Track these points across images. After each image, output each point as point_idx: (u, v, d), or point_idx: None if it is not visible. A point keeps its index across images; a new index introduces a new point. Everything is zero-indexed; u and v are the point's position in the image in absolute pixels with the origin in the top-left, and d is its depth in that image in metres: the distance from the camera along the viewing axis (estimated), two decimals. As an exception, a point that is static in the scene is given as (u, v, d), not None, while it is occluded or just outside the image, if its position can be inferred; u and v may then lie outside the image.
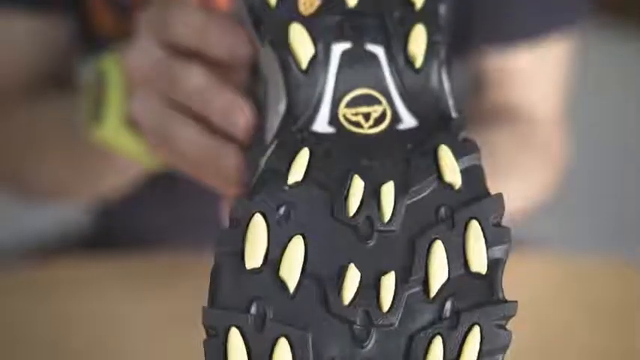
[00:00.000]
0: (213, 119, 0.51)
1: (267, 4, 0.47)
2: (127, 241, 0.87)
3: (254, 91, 0.51)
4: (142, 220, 0.88)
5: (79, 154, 0.72)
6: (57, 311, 0.71)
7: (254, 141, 0.49)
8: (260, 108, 0.50)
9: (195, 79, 0.52)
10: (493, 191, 0.43)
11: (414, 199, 0.42)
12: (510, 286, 0.42)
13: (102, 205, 0.88)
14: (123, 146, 0.61)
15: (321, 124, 0.45)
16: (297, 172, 0.42)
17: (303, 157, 0.43)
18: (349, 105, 0.45)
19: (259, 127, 0.49)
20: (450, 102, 0.46)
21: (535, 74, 0.83)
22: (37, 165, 0.78)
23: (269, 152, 0.44)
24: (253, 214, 0.41)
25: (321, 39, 0.45)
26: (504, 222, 0.42)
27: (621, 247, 1.57)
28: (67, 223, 0.98)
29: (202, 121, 0.52)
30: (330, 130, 0.44)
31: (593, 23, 0.89)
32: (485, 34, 0.81)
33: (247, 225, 0.41)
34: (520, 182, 0.78)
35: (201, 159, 0.52)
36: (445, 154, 0.43)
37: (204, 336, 0.40)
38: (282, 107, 0.45)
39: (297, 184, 0.42)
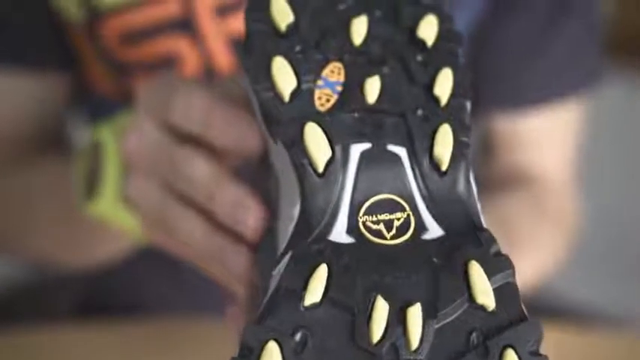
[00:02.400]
0: (217, 215, 0.47)
1: (280, 99, 0.43)
2: (123, 307, 0.83)
3: (264, 183, 0.48)
4: (139, 285, 0.84)
5: (71, 222, 0.68)
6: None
7: (264, 242, 0.45)
8: (270, 203, 0.46)
9: (198, 169, 0.48)
10: None
11: (443, 323, 0.38)
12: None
13: (96, 269, 0.84)
14: (117, 220, 0.57)
15: (339, 234, 0.41)
16: (314, 291, 0.39)
17: (320, 275, 0.39)
18: (369, 212, 0.41)
19: (270, 227, 0.45)
20: (479, 209, 0.42)
21: (546, 138, 0.80)
22: (26, 230, 0.75)
23: (282, 266, 0.40)
24: (267, 342, 0.38)
25: (339, 139, 0.42)
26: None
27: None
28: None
29: (206, 212, 0.48)
30: (349, 240, 0.41)
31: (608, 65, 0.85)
32: (496, 98, 0.77)
33: (260, 354, 0.37)
34: (534, 255, 0.75)
35: (203, 255, 0.49)
36: (476, 272, 0.39)
37: None
38: (295, 212, 0.42)
39: (314, 305, 0.38)
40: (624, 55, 1.73)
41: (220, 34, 0.72)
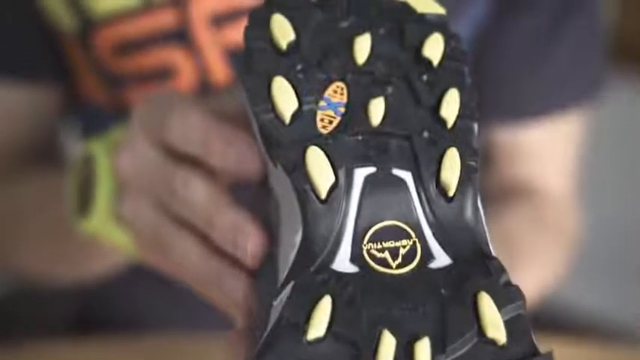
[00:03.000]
0: (215, 240, 0.45)
1: (281, 121, 0.41)
2: (117, 323, 0.81)
3: (263, 206, 0.46)
4: (134, 300, 0.82)
5: (63, 236, 0.67)
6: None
7: (264, 267, 0.44)
8: (270, 227, 0.45)
9: (195, 191, 0.46)
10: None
11: (452, 358, 0.37)
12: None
13: (89, 283, 0.83)
14: (110, 237, 0.56)
15: (343, 262, 0.39)
16: (318, 325, 0.37)
17: (324, 307, 0.37)
18: (374, 239, 0.40)
19: (270, 252, 0.44)
20: (487, 236, 0.41)
21: (548, 150, 0.79)
22: (17, 244, 0.73)
23: (284, 296, 0.38)
24: None
25: (343, 163, 0.40)
26: None
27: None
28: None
29: (203, 235, 0.47)
30: (353, 269, 0.39)
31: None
32: (496, 109, 0.76)
33: None
34: (536, 269, 0.73)
35: (199, 278, 0.47)
36: (486, 304, 0.37)
37: None
38: (297, 239, 0.40)
39: (317, 339, 0.37)
40: (628, 62, 1.71)
41: (216, 45, 0.70)
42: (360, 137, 0.41)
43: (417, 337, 0.37)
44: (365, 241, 0.40)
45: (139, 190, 0.50)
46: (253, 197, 0.47)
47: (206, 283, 0.47)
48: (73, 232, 0.60)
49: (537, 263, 0.74)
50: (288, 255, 0.41)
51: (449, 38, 0.44)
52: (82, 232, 0.57)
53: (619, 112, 1.30)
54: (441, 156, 0.41)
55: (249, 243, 0.43)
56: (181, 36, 0.70)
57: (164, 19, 0.70)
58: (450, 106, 0.42)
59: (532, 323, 0.38)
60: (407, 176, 0.40)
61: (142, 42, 0.70)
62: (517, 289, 0.38)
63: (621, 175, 1.81)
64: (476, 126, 0.42)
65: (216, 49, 0.70)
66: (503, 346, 0.37)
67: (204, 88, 0.71)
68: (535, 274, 0.73)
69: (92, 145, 0.57)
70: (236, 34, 0.70)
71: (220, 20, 0.70)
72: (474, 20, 0.74)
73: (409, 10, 0.45)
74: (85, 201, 0.57)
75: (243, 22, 0.68)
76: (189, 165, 0.47)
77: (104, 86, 0.74)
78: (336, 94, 0.42)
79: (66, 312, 0.89)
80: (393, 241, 0.40)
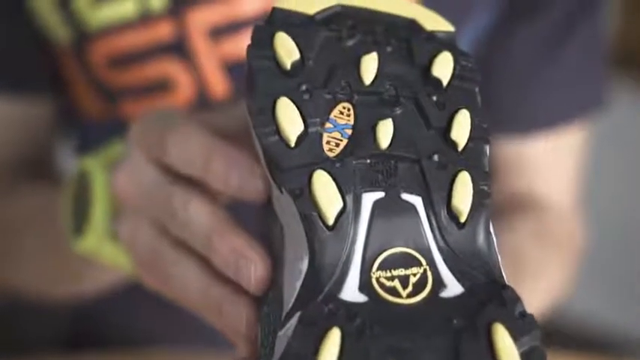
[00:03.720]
0: (216, 265, 0.44)
1: (286, 144, 0.40)
2: (112, 340, 0.80)
3: (266, 227, 0.44)
4: (129, 317, 0.81)
5: (58, 253, 0.65)
6: None
7: (268, 295, 0.42)
8: (274, 249, 0.43)
9: (195, 214, 0.45)
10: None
11: None
12: None
13: (84, 300, 0.81)
14: (107, 256, 0.54)
15: (351, 291, 0.38)
16: (327, 358, 0.35)
17: (333, 339, 0.36)
18: (383, 267, 0.38)
19: (274, 278, 0.42)
20: (500, 263, 0.39)
21: (551, 162, 0.77)
22: (10, 261, 0.71)
23: (290, 327, 0.37)
24: None
25: (350, 188, 0.39)
26: None
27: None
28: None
29: (204, 258, 0.45)
30: (361, 298, 0.38)
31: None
32: (500, 122, 0.74)
33: None
34: (543, 284, 0.72)
35: (200, 306, 0.45)
36: (501, 336, 0.36)
37: None
38: (303, 266, 0.39)
39: None
40: (631, 69, 1.70)
41: (214, 57, 0.68)
42: (367, 160, 0.39)
43: None
44: (374, 269, 0.38)
45: (136, 211, 0.48)
46: (256, 217, 0.46)
47: (207, 310, 0.45)
48: (70, 250, 0.59)
49: (544, 279, 0.73)
50: (293, 283, 0.39)
51: (458, 57, 0.42)
52: (78, 250, 0.56)
53: (621, 119, 1.28)
54: (452, 180, 0.39)
55: (253, 270, 0.42)
56: (179, 48, 0.68)
57: (161, 30, 0.68)
58: (461, 128, 0.40)
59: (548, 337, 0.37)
60: (417, 201, 0.39)
61: (139, 54, 0.69)
62: (532, 318, 0.37)
63: (625, 182, 1.79)
64: (488, 148, 0.40)
65: (214, 62, 0.69)
66: None
67: (203, 101, 0.69)
68: (542, 290, 0.72)
69: (88, 161, 0.55)
70: (235, 46, 0.68)
71: (218, 32, 0.68)
72: (476, 31, 0.72)
73: (417, 27, 0.44)
74: (81, 219, 0.55)
75: (242, 35, 0.68)
76: (189, 185, 0.46)
77: (100, 99, 0.72)
78: (343, 115, 0.41)
79: (61, 327, 0.87)
80: (403, 269, 0.38)
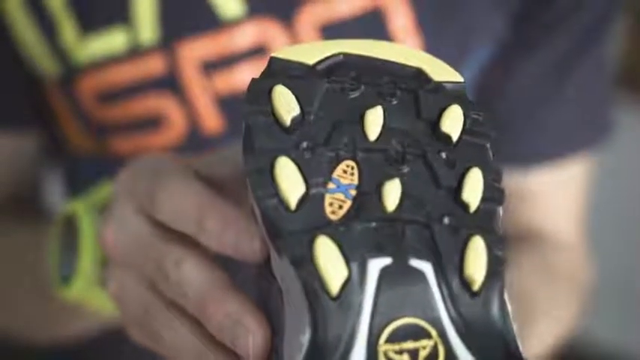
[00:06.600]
0: (211, 331, 0.41)
1: (286, 207, 0.37)
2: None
3: (264, 288, 0.42)
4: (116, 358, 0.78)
5: (42, 296, 0.62)
6: None
7: (267, 363, 0.40)
8: (272, 313, 0.40)
9: (188, 274, 0.42)
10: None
11: None
12: None
13: (77, 342, 0.78)
14: (94, 303, 0.52)
15: None
16: None
17: None
18: (391, 339, 0.36)
19: (274, 346, 0.40)
20: (516, 334, 0.37)
21: (557, 194, 0.75)
22: None
23: None
24: None
25: (355, 255, 0.36)
26: None
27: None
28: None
29: (197, 320, 0.43)
30: None
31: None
32: (506, 154, 0.72)
33: None
34: (552, 321, 0.71)
35: None
36: None
37: None
38: (305, 340, 0.36)
39: None
40: (635, 91, 1.68)
41: (206, 92, 0.66)
42: (373, 224, 0.37)
43: None
44: (381, 342, 0.36)
45: (126, 266, 0.46)
46: (253, 277, 0.43)
47: None
48: (54, 293, 0.57)
49: (552, 316, 0.71)
50: (294, 356, 0.37)
51: (469, 110, 0.40)
52: (65, 296, 0.54)
53: (627, 141, 1.26)
54: (464, 245, 0.37)
55: (251, 339, 0.39)
56: (170, 83, 0.66)
57: (152, 64, 0.66)
58: (473, 188, 0.38)
59: None
60: (426, 268, 0.36)
61: (129, 89, 0.66)
62: None
63: (630, 207, 1.77)
64: (501, 210, 0.38)
65: (206, 97, 0.66)
66: None
67: (195, 137, 0.67)
68: (549, 327, 0.70)
69: (75, 205, 0.53)
70: (227, 80, 0.66)
71: (211, 66, 0.65)
72: (477, 64, 0.70)
73: (424, 77, 0.41)
74: (68, 265, 0.53)
75: (235, 69, 0.65)
76: (181, 241, 0.43)
77: (89, 135, 0.69)
78: (346, 174, 0.38)
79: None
80: (412, 342, 0.36)
